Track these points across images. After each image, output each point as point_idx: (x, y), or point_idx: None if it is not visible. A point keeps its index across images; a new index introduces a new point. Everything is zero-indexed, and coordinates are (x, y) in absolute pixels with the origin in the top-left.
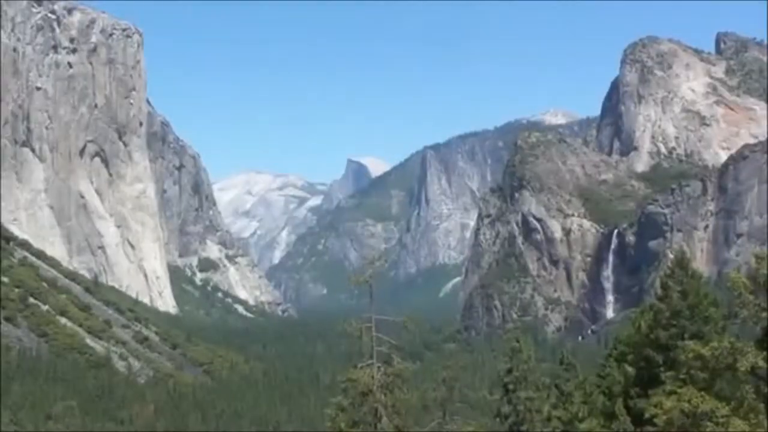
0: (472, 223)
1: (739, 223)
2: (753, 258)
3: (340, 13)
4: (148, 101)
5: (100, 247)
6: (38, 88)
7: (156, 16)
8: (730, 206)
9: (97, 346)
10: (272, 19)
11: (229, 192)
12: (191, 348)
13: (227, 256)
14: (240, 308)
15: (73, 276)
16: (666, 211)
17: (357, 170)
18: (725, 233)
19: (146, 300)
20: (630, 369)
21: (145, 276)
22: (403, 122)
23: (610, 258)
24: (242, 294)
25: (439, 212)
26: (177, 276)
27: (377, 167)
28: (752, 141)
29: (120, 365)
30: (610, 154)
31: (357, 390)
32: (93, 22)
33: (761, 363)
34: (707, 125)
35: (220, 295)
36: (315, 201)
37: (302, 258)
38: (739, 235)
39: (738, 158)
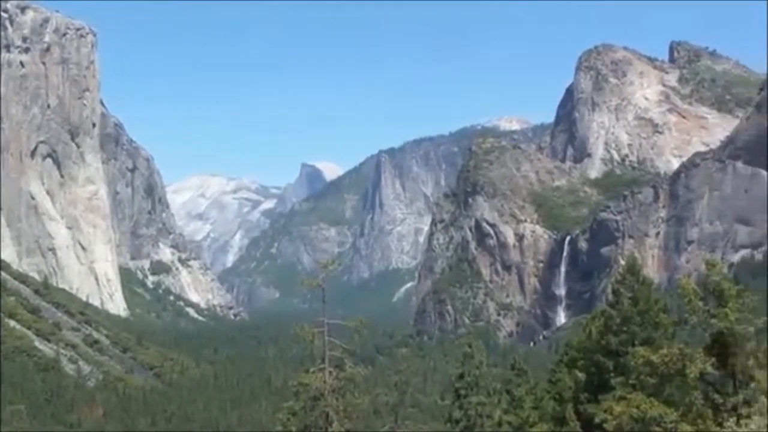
0: (426, 228)
1: (690, 230)
2: (704, 265)
3: (295, 16)
4: (101, 102)
5: (50, 249)
6: None
7: (110, 17)
8: (681, 213)
9: (47, 348)
10: (227, 22)
11: (182, 195)
12: (142, 351)
13: (179, 259)
14: (192, 311)
15: (22, 278)
16: (618, 217)
17: (311, 174)
18: (676, 240)
19: (97, 303)
20: (580, 374)
21: (96, 278)
22: (357, 127)
23: (563, 264)
24: (194, 297)
25: (393, 217)
26: (128, 279)
27: (331, 171)
28: (704, 149)
29: (69, 368)
30: (563, 160)
31: (309, 394)
32: (46, 21)
33: (710, 369)
34: (660, 133)
35: (171, 298)
36: (269, 204)
37: (255, 261)
38: (689, 242)
39: (689, 166)
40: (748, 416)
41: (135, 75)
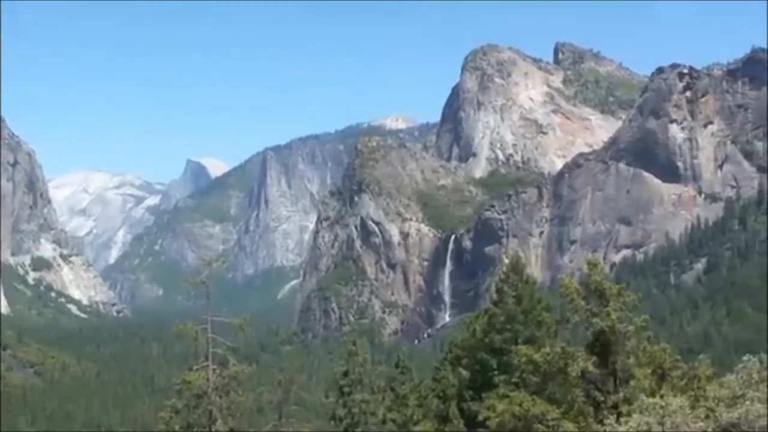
0: (311, 226)
1: (573, 230)
2: (585, 264)
3: (179, 13)
4: None
5: None
6: None
7: None
8: (564, 213)
9: None
10: (110, 17)
11: (64, 190)
12: (22, 348)
13: (61, 255)
14: (74, 308)
15: None
16: (502, 217)
17: (196, 170)
18: (559, 240)
19: None
20: (464, 372)
21: None
22: (243, 123)
23: (447, 262)
24: (76, 294)
25: (278, 214)
26: (8, 275)
27: (217, 168)
28: (587, 150)
29: None
30: (449, 159)
31: (192, 392)
32: None
33: (591, 367)
34: (544, 133)
35: (53, 294)
36: (153, 200)
37: (138, 258)
38: (572, 242)
39: (573, 166)
40: (629, 414)
41: (17, 69)
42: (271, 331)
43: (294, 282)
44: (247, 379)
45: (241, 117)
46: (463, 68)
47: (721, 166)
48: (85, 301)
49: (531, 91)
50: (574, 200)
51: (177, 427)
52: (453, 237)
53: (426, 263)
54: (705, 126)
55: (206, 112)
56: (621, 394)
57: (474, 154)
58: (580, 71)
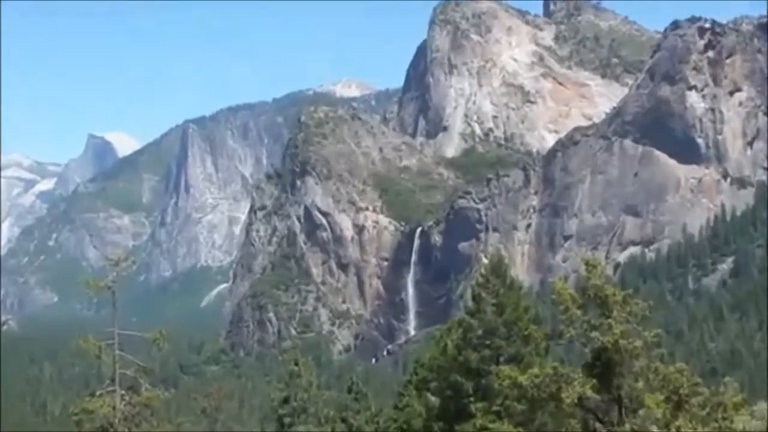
0: (243, 217)
1: (567, 223)
2: (583, 265)
3: None
4: None
5: None
6: None
7: None
8: (557, 201)
9: None
10: None
11: None
12: None
13: None
14: None
15: None
16: (480, 206)
17: (100, 148)
18: (550, 234)
19: None
20: (433, 399)
21: None
22: (159, 90)
23: (412, 262)
24: None
25: (203, 202)
26: None
27: (125, 145)
28: (585, 123)
29: None
30: (414, 135)
31: (94, 423)
32: None
33: (590, 393)
34: (532, 103)
35: None
36: (46, 185)
37: (28, 256)
38: (566, 237)
39: (567, 143)
40: None
41: None
42: (193, 348)
43: (222, 286)
44: (163, 406)
45: (156, 83)
46: (432, 22)
47: (750, 144)
48: None
49: (515, 51)
50: (569, 186)
51: None
52: (419, 231)
53: (385, 263)
54: (731, 94)
55: (111, 77)
56: (627, 426)
57: (445, 129)
58: (576, 26)
